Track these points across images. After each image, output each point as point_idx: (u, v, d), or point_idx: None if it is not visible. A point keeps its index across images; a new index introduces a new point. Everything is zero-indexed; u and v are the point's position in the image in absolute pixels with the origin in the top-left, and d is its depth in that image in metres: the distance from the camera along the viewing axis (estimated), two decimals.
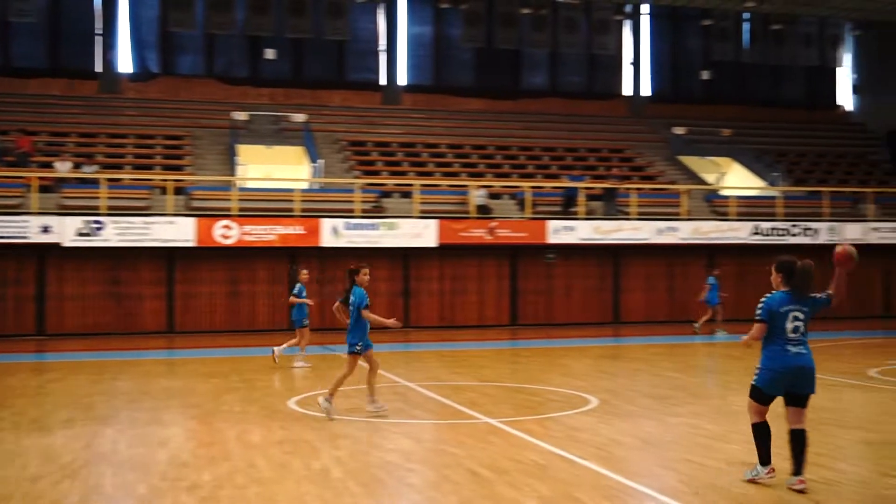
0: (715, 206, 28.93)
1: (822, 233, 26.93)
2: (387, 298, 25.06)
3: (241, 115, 28.98)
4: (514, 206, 27.04)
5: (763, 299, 7.50)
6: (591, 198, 26.79)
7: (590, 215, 26.11)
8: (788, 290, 7.50)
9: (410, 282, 25.31)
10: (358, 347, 10.70)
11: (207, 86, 32.93)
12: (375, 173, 28.44)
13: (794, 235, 26.73)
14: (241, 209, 23.68)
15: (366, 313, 10.82)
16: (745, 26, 36.61)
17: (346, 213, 24.24)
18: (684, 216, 26.75)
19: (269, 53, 32.83)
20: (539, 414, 11.05)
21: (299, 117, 29.41)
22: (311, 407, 11.48)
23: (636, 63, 37.45)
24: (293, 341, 16.26)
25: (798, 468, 7.23)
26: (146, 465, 8.26)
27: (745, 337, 7.56)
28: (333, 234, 23.38)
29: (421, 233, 24.02)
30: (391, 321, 11.05)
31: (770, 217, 27.35)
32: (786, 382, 7.39)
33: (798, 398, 7.42)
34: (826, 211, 27.69)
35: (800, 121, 38.34)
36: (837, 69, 39.62)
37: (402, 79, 35.19)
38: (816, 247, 27.18)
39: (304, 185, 26.68)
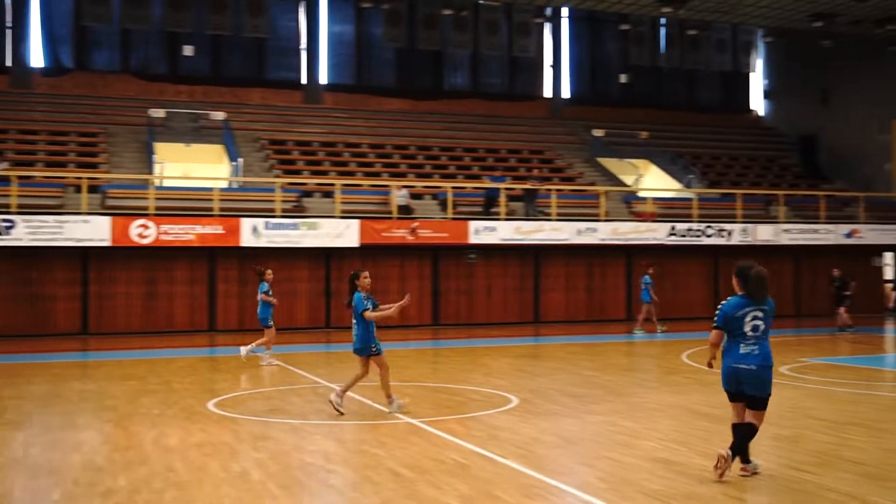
0: (633, 207, 29.45)
1: (736, 234, 27.63)
2: (308, 299, 24.92)
3: (158, 113, 28.49)
4: (436, 207, 27.12)
5: (720, 305, 7.74)
6: (511, 199, 27.02)
7: (511, 216, 26.33)
8: (745, 294, 7.69)
9: (332, 282, 25.19)
10: (374, 349, 11.10)
11: (124, 82, 32.28)
12: (296, 173, 28.23)
13: (708, 236, 27.37)
14: (159, 208, 23.23)
15: (369, 315, 11.16)
16: (662, 31, 37.35)
17: (267, 213, 23.99)
18: (603, 217, 27.17)
19: (188, 50, 32.31)
20: (460, 413, 11.10)
21: (218, 115, 29.04)
22: (231, 409, 11.35)
23: (556, 66, 37.92)
24: (261, 341, 16.29)
25: (743, 456, 7.56)
26: (60, 470, 8.06)
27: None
28: (254, 233, 23.12)
29: (342, 233, 23.91)
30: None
31: (686, 218, 27.94)
32: (734, 380, 7.62)
33: (751, 399, 7.62)
34: (739, 213, 28.41)
35: (714, 124, 39.29)
36: (750, 74, 40.71)
37: (324, 78, 35.01)
38: (730, 247, 27.96)
39: (224, 185, 26.36)
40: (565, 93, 38.18)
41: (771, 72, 40.94)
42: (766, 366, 7.57)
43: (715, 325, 7.65)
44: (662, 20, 36.25)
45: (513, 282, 27.05)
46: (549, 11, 35.67)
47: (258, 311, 16.49)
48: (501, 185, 26.43)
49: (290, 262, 24.49)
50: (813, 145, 36.85)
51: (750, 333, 7.58)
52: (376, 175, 28.91)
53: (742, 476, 7.58)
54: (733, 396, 7.73)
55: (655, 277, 24.00)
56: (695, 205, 28.65)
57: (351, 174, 28.75)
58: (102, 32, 32.14)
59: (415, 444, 9.08)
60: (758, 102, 41.69)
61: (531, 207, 26.82)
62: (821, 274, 29.57)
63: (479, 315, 26.46)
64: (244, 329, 23.95)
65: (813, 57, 35.22)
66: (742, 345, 7.57)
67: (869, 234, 29.52)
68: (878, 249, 30.63)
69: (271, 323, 16.31)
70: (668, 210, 29.09)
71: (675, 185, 32.53)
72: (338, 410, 10.80)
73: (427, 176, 29.56)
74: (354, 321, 11.35)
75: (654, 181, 33.30)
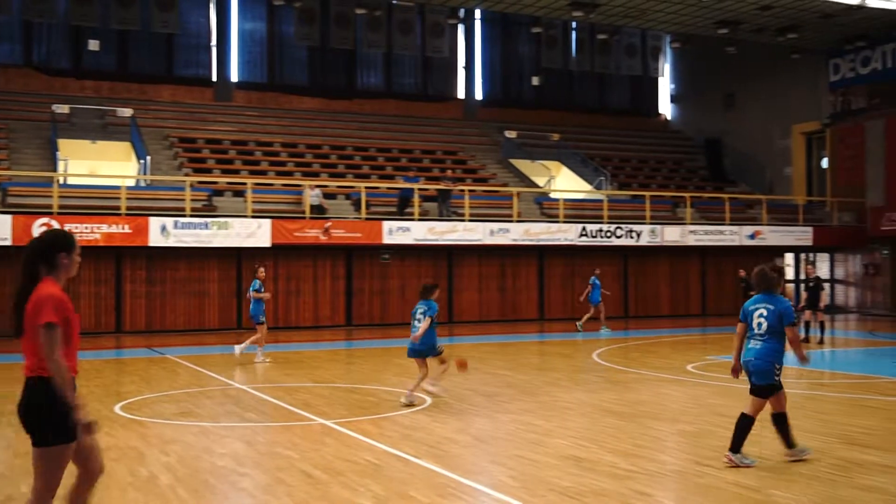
0: (544, 208, 29.79)
1: (645, 235, 28.19)
2: (219, 299, 24.55)
3: (62, 108, 27.72)
4: (350, 207, 27.00)
5: None
6: (425, 199, 27.08)
7: (424, 216, 26.38)
8: (758, 292, 8.27)
9: (243, 282, 24.86)
10: (440, 348, 11.97)
11: (26, 76, 31.29)
12: (206, 171, 27.77)
13: (618, 237, 27.87)
14: (63, 207, 22.57)
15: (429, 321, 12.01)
16: (573, 35, 37.87)
17: (176, 212, 23.54)
18: (515, 218, 27.42)
19: (93, 45, 31.51)
20: (374, 414, 11.08)
21: (125, 112, 28.41)
22: (139, 412, 11.11)
23: (469, 67, 38.14)
24: (254, 338, 16.65)
25: (736, 445, 8.01)
26: None
27: None
28: (162, 233, 22.65)
29: (254, 233, 23.62)
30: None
31: (596, 220, 28.40)
32: (747, 372, 8.17)
33: (753, 386, 8.13)
34: (648, 214, 29.00)
35: (624, 127, 40.03)
36: (658, 79, 41.59)
37: (235, 75, 34.54)
38: (639, 248, 28.54)
39: (131, 183, 25.77)
40: (478, 94, 38.44)
41: (678, 76, 41.92)
42: (767, 360, 7.97)
43: (740, 318, 8.32)
44: (574, 24, 36.75)
45: (426, 282, 27.04)
46: (462, 13, 35.85)
47: (250, 308, 16.93)
48: (415, 186, 26.46)
49: (200, 262, 24.10)
50: (718, 149, 37.86)
51: (756, 330, 8.12)
52: (289, 174, 28.64)
53: (790, 461, 8.05)
54: (751, 389, 8.19)
55: (601, 278, 24.84)
56: (605, 206, 29.15)
57: (263, 173, 28.42)
58: (3, 24, 31.10)
59: (328, 446, 9.03)
60: (665, 106, 42.64)
61: (445, 208, 26.92)
62: (726, 274, 30.44)
63: (393, 315, 26.44)
64: (153, 330, 23.49)
65: (718, 63, 36.19)
66: (752, 340, 8.12)
67: (771, 235, 30.47)
68: (780, 251, 31.64)
69: (263, 319, 16.63)
70: (579, 211, 29.53)
71: (586, 186, 33.04)
72: (412, 403, 11.56)
73: (340, 176, 29.41)
74: (417, 323, 12.04)
75: (565, 183, 33.77)
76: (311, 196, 25.42)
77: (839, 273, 33.98)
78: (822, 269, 34.11)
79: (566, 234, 27.34)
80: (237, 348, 16.81)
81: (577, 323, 24.40)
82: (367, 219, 25.35)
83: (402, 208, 26.52)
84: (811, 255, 32.99)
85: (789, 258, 32.80)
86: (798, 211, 32.36)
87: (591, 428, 9.96)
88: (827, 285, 27.59)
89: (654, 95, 42.53)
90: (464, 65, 38.14)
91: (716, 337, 22.79)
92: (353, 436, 9.50)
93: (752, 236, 30.06)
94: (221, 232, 23.25)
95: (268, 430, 10.13)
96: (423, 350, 11.80)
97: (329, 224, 24.48)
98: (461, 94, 38.20)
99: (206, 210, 24.72)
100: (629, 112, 41.48)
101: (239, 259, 24.70)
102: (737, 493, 7.07)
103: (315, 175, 28.70)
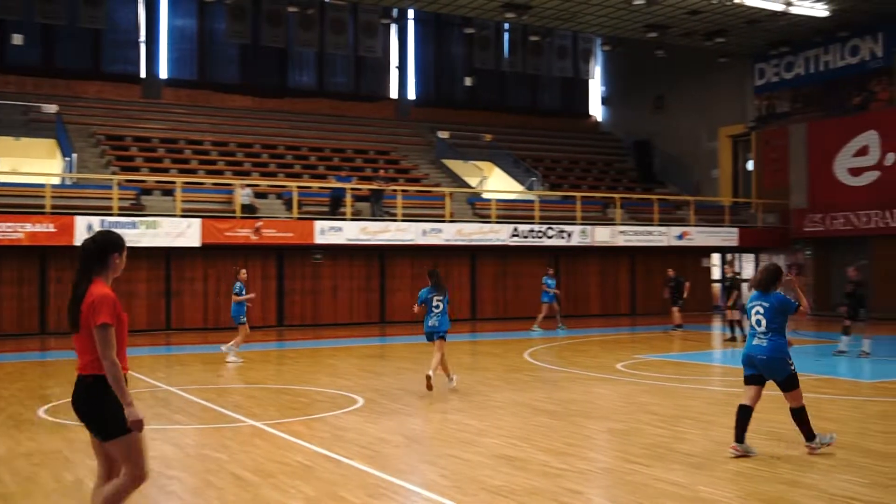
0: (477, 208, 29.92)
1: (575, 235, 28.49)
2: (147, 300, 24.15)
3: None
4: (281, 206, 26.76)
5: None
6: (358, 199, 26.98)
7: (357, 216, 26.29)
8: (757, 290, 8.71)
9: (172, 282, 24.50)
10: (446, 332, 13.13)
11: None
12: (135, 169, 27.28)
13: (549, 238, 28.12)
14: None
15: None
16: (506, 36, 38.10)
17: (103, 211, 23.06)
18: (448, 218, 27.48)
19: (17, 39, 30.69)
20: (305, 415, 11.01)
21: (50, 108, 27.76)
22: (64, 416, 10.86)
23: (402, 67, 38.11)
24: (238, 339, 17.01)
25: (808, 435, 8.52)
26: None
27: None
28: (89, 232, 22.13)
29: (183, 232, 23.27)
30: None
31: (528, 220, 28.61)
32: (750, 366, 8.57)
33: (777, 384, 8.52)
34: (579, 215, 29.31)
35: (555, 128, 40.39)
36: (589, 81, 42.04)
37: (164, 72, 33.98)
38: (570, 248, 28.83)
39: (56, 181, 25.17)
40: (411, 94, 38.43)
41: (609, 79, 42.45)
42: (776, 357, 8.41)
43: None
44: (506, 25, 36.98)
45: (359, 282, 27.04)
46: (395, 13, 35.81)
47: (231, 309, 17.26)
48: (347, 186, 26.35)
49: (127, 262, 23.63)
50: (647, 150, 38.44)
51: (756, 326, 8.53)
52: (219, 173, 28.28)
53: (810, 454, 8.41)
54: (746, 379, 8.61)
55: (555, 277, 25.34)
56: (536, 207, 29.38)
57: (192, 172, 28.01)
58: None
59: (258, 447, 8.94)
60: (596, 108, 43.14)
61: (377, 208, 26.87)
62: (655, 274, 30.91)
63: (325, 315, 26.31)
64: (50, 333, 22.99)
65: (648, 66, 36.74)
66: (756, 336, 8.51)
67: (698, 236, 31.04)
68: (707, 251, 32.26)
69: (243, 320, 16.93)
70: (511, 212, 29.71)
71: (518, 187, 33.27)
72: (452, 382, 13.09)
73: (272, 175, 29.15)
74: (437, 308, 13.28)
75: (497, 183, 33.96)
76: (242, 195, 25.14)
77: None
78: (748, 270, 34.91)
79: (498, 234, 27.49)
80: (224, 348, 17.11)
81: (534, 325, 24.76)
82: (298, 218, 25.15)
83: (334, 208, 26.38)
84: (731, 255, 33.69)
85: (716, 258, 33.45)
86: (724, 212, 33.03)
87: (522, 427, 10.03)
88: (744, 284, 28.26)
89: (585, 97, 43.01)
90: (397, 65, 38.10)
91: (645, 336, 23.14)
92: (284, 437, 9.43)
93: (680, 237, 30.58)
94: (150, 231, 22.85)
95: (197, 433, 9.99)
96: (444, 331, 13.21)
97: (260, 223, 24.24)
98: (394, 93, 38.15)
99: (135, 209, 24.28)
100: (561, 113, 41.88)
101: (168, 259, 24.32)
102: (665, 489, 7.19)
103: (246, 174, 28.40)
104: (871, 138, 30.59)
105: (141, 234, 22.65)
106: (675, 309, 23.75)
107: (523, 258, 28.90)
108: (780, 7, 28.04)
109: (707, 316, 30.29)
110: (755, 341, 8.50)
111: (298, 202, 25.70)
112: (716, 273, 33.32)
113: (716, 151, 36.77)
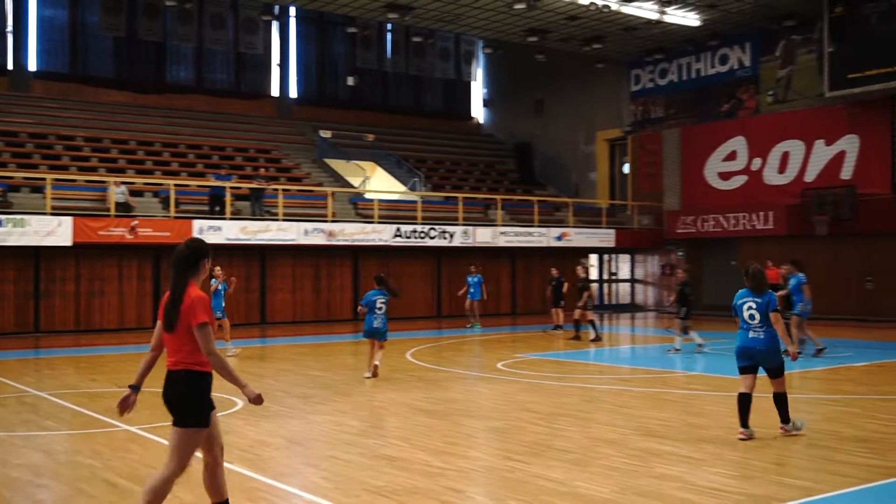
0: (359, 208, 29.82)
1: (458, 236, 28.72)
2: (14, 301, 23.18)
3: None
4: (158, 205, 26.09)
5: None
6: (238, 198, 26.53)
7: (237, 215, 25.84)
8: (747, 287, 9.39)
9: (42, 283, 23.58)
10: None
11: None
12: (1, 165, 26.13)
13: (432, 238, 28.26)
14: None
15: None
16: (389, 36, 38.10)
17: None
18: (330, 218, 27.30)
19: None
20: None
21: None
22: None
23: (284, 64, 37.67)
24: (226, 335, 17.68)
25: (783, 418, 9.40)
26: None
27: None
28: None
29: (54, 231, 22.39)
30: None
31: (411, 220, 28.68)
32: (746, 358, 9.32)
33: (767, 370, 9.34)
34: (461, 215, 29.56)
35: (438, 129, 40.62)
36: (471, 83, 42.45)
37: (33, 64, 32.66)
38: (452, 249, 29.05)
39: None
40: (293, 92, 38.02)
41: (490, 81, 42.95)
42: (772, 347, 9.23)
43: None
44: (389, 25, 36.98)
45: (239, 282, 26.56)
46: (276, 10, 35.37)
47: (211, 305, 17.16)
48: (227, 184, 25.89)
49: None
50: (528, 153, 39.04)
51: (749, 320, 9.27)
52: (92, 170, 27.36)
53: (783, 435, 9.26)
54: (743, 370, 9.36)
55: (478, 274, 26.05)
56: (419, 207, 29.48)
57: (64, 168, 26.99)
58: None
59: (133, 453, 8.70)
60: (478, 110, 43.59)
61: (258, 207, 26.48)
62: (535, 274, 31.45)
63: None
64: None
65: (528, 69, 37.30)
66: (750, 331, 9.26)
67: (577, 237, 31.73)
68: (585, 251, 33.00)
69: (219, 315, 17.39)
70: (394, 212, 29.73)
71: (400, 187, 33.32)
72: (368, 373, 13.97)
73: (148, 172, 28.38)
74: (380, 310, 14.29)
75: (379, 183, 33.93)
76: (117, 193, 24.37)
77: (639, 273, 35.78)
78: (623, 270, 35.89)
79: (381, 234, 27.46)
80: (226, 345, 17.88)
81: (468, 325, 25.36)
82: (176, 217, 24.55)
83: (213, 207, 25.86)
84: (584, 257, 34.62)
85: (593, 259, 34.24)
86: (602, 214, 33.85)
87: (403, 427, 10.06)
88: (594, 286, 29.13)
89: (468, 99, 43.40)
90: (278, 62, 37.63)
91: (525, 335, 23.49)
92: (159, 441, 9.19)
93: (560, 238, 31.19)
94: (17, 230, 21.89)
95: (68, 439, 9.65)
96: (383, 332, 14.30)
97: (136, 222, 23.56)
98: (275, 91, 37.66)
99: (1, 207, 23.25)
100: (443, 115, 42.14)
101: (37, 259, 23.40)
102: (545, 486, 7.32)
103: (121, 171, 27.55)
104: (739, 144, 31.87)
105: (7, 232, 21.69)
106: (556, 309, 24.13)
107: (406, 258, 28.96)
108: (654, 15, 28.92)
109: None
110: (751, 335, 9.26)
111: (176, 201, 25.10)
112: (594, 273, 34.11)
113: (594, 155, 37.64)
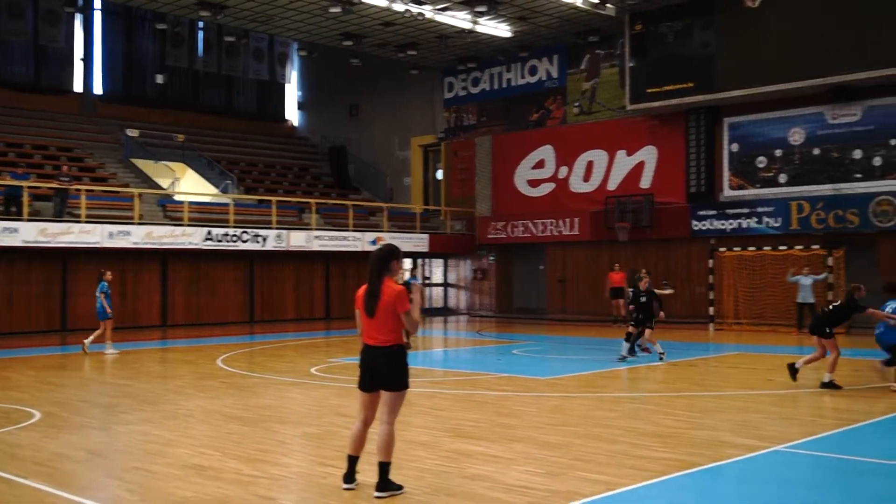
0: (168, 211, 28.92)
1: (271, 239, 28.34)
2: None
3: None
4: None
5: None
6: (37, 198, 25.16)
7: (35, 216, 24.51)
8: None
9: None
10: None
11: None
12: None
13: (244, 242, 27.76)
14: None
15: None
16: (200, 35, 37.12)
17: None
18: (137, 220, 26.32)
19: None
20: None
21: None
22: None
23: (88, 60, 36.03)
24: (98, 333, 18.98)
25: None
26: None
27: None
28: None
29: None
30: None
31: (222, 223, 28.06)
32: None
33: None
34: (274, 219, 29.19)
35: (251, 131, 39.96)
36: (286, 85, 42.00)
37: None
38: (265, 253, 28.66)
39: None
40: (98, 89, 36.41)
41: (305, 84, 42.65)
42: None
43: None
44: (201, 23, 36.05)
45: (38, 288, 25.25)
46: (80, 2, 33.77)
47: (97, 306, 19.15)
48: (24, 184, 24.48)
49: None
50: (343, 157, 38.99)
51: None
52: None
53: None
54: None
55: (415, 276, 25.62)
56: (231, 210, 28.89)
57: None
58: None
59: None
60: (292, 113, 43.17)
61: (62, 208, 25.18)
62: (349, 278, 31.46)
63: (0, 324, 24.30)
64: None
65: (344, 73, 37.26)
66: None
67: (391, 241, 31.90)
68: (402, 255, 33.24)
69: (109, 315, 18.98)
70: (205, 215, 28.99)
71: (212, 189, 32.54)
72: None
73: None
74: None
75: (190, 185, 33.02)
76: None
77: (452, 277, 36.45)
78: (437, 274, 36.46)
79: (191, 237, 26.72)
80: (86, 342, 19.05)
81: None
82: None
83: (8, 207, 24.38)
84: (422, 260, 35.08)
85: (407, 263, 34.61)
86: (416, 219, 34.27)
87: (213, 435, 9.85)
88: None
89: (281, 101, 42.89)
90: (82, 57, 35.93)
91: (339, 339, 23.48)
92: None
93: (374, 242, 31.30)
94: None
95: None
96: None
97: None
98: (79, 87, 35.94)
99: None
100: (256, 116, 41.46)
101: None
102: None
103: None
104: (547, 152, 33.07)
105: None
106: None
107: (217, 263, 28.33)
108: (468, 25, 29.59)
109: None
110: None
111: None
112: (406, 276, 34.42)
113: (408, 160, 38.06)
